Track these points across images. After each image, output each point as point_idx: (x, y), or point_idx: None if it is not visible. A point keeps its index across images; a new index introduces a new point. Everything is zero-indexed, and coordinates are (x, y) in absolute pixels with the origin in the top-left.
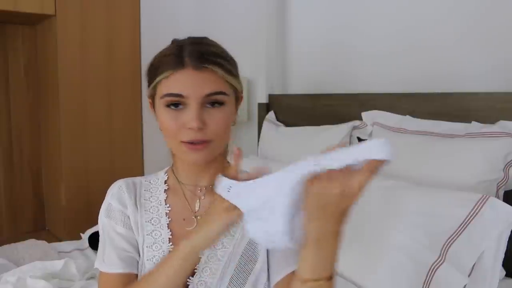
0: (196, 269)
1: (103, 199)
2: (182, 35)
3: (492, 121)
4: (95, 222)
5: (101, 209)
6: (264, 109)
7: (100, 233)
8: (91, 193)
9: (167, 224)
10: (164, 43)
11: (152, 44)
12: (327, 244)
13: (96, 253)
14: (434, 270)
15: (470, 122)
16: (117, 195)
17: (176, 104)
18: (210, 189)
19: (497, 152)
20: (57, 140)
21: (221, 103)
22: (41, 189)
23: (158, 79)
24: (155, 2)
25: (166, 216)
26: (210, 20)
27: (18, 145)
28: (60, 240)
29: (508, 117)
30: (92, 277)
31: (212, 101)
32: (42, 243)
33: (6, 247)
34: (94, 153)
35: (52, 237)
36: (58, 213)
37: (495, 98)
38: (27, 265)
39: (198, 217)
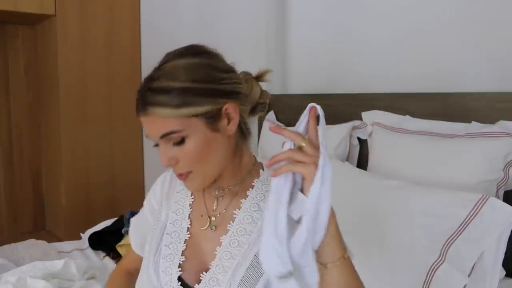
0: (210, 265)
1: (103, 199)
2: (182, 35)
3: (492, 121)
4: (95, 222)
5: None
6: None
7: None
8: (91, 193)
9: (189, 214)
10: (164, 43)
11: (152, 44)
12: (333, 222)
13: (96, 253)
14: (434, 270)
15: (470, 122)
16: (158, 185)
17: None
18: (229, 190)
19: (497, 152)
20: (57, 140)
21: (180, 140)
22: (41, 189)
23: None
24: (155, 2)
25: (189, 206)
26: (210, 20)
27: (18, 145)
28: (60, 240)
29: (508, 117)
30: (92, 277)
31: (171, 142)
32: (42, 243)
33: (6, 247)
34: (94, 153)
35: (52, 237)
36: (58, 213)
37: (495, 98)
38: (27, 265)
39: (213, 218)
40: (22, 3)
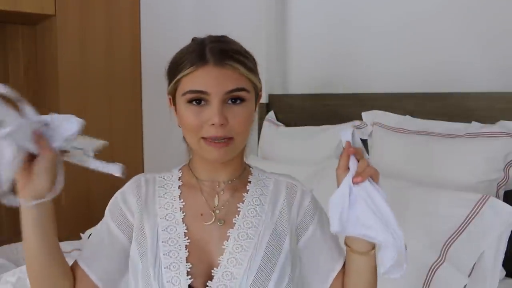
0: (219, 260)
1: (103, 199)
2: (182, 35)
3: (492, 121)
4: (95, 222)
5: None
6: (264, 109)
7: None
8: (91, 193)
9: (182, 218)
10: (164, 43)
11: (152, 44)
12: None
13: None
14: (434, 270)
15: (470, 122)
16: (127, 192)
17: (198, 101)
18: (229, 184)
19: (497, 152)
20: None
21: (242, 100)
22: None
23: (180, 75)
24: (155, 2)
25: (180, 211)
26: (210, 20)
27: None
28: (60, 240)
29: (508, 117)
30: None
31: (234, 98)
32: None
33: (6, 247)
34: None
35: None
36: (58, 213)
37: (495, 98)
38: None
39: (217, 212)
40: (22, 3)
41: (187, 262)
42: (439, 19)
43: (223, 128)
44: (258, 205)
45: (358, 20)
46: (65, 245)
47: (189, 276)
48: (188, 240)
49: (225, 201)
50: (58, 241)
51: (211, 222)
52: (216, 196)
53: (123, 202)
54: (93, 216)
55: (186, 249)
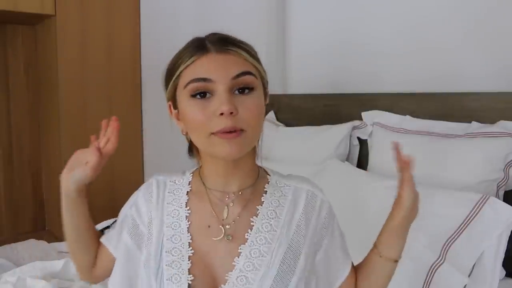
0: (228, 276)
1: (103, 199)
2: (182, 35)
3: (492, 121)
4: (94, 222)
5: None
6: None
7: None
8: (91, 193)
9: (187, 228)
10: (164, 43)
11: (152, 44)
12: (405, 235)
13: None
14: (434, 270)
15: (470, 122)
16: (139, 201)
17: (202, 93)
18: (239, 195)
19: (497, 152)
20: (57, 140)
21: (250, 88)
22: (41, 189)
23: (180, 69)
24: (155, 2)
25: (186, 219)
26: (210, 20)
27: (18, 145)
28: (60, 240)
29: (508, 117)
30: None
31: (241, 86)
32: (42, 243)
33: (6, 247)
34: None
35: (52, 237)
36: (58, 213)
37: (495, 98)
38: (27, 265)
39: (227, 226)
40: (22, 3)
41: (189, 274)
42: (439, 19)
43: (233, 118)
44: (273, 218)
45: (358, 20)
46: (65, 245)
47: None
48: (192, 251)
49: (236, 214)
50: (87, 223)
51: (221, 237)
52: (226, 208)
53: (136, 212)
54: (93, 216)
55: (189, 260)
